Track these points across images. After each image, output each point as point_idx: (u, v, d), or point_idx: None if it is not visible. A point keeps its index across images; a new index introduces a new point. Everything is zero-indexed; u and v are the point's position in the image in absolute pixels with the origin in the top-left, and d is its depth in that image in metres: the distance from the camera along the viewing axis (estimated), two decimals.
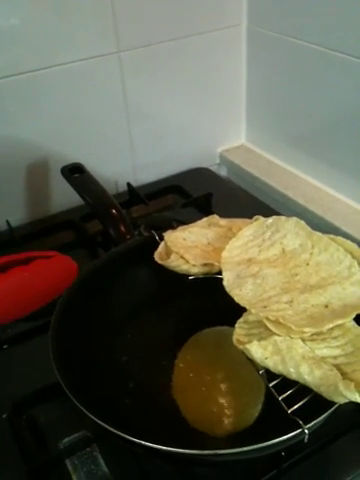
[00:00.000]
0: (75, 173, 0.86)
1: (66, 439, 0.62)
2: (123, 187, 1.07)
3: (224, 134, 1.18)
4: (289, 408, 0.51)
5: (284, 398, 0.52)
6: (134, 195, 1.02)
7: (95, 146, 1.02)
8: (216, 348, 0.65)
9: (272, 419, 0.55)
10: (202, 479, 0.58)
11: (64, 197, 1.03)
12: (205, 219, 0.72)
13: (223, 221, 0.71)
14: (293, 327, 0.51)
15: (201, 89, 1.07)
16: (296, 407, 0.51)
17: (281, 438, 0.48)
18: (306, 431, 0.48)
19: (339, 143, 0.94)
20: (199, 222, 0.74)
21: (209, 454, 0.48)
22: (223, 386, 0.60)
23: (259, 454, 0.50)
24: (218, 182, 1.13)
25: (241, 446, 0.47)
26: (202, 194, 0.99)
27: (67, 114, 0.95)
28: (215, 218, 0.73)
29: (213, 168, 1.19)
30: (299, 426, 0.49)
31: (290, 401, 0.51)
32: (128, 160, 1.08)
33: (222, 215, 0.73)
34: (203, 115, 1.11)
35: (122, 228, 0.78)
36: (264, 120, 1.12)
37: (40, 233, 0.95)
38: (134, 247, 0.75)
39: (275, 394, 0.52)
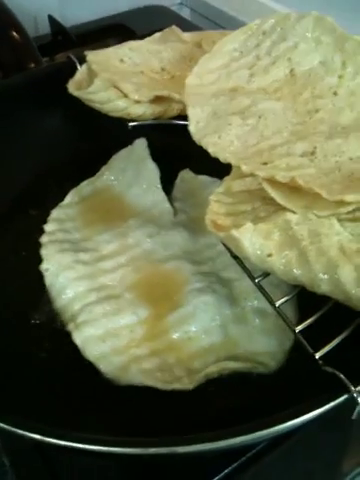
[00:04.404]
0: None
1: None
2: (45, 28, 0.83)
3: None
4: (316, 351, 0.28)
5: (303, 331, 0.29)
6: (60, 34, 0.79)
7: None
8: None
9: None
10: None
11: None
12: (159, 33, 0.54)
13: (187, 34, 0.52)
14: (323, 193, 0.31)
15: None
16: (328, 348, 0.27)
17: (313, 413, 0.24)
18: (358, 398, 0.24)
19: None
20: (149, 38, 0.52)
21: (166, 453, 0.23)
22: None
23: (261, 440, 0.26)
24: (179, 23, 0.86)
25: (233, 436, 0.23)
26: (156, 30, 0.73)
27: None
28: (175, 31, 0.53)
29: (173, 8, 0.96)
30: (342, 386, 0.25)
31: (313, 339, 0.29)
32: None
33: None
34: None
35: (23, 53, 0.54)
36: None
37: None
38: (37, 78, 0.52)
39: (287, 323, 0.29)
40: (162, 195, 0.49)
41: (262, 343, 0.38)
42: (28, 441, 0.39)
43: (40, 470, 0.38)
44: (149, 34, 0.76)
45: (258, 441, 0.25)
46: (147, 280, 0.43)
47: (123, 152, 0.52)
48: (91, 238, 0.47)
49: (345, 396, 0.25)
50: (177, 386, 0.37)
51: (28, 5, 0.81)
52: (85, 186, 0.51)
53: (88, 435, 0.24)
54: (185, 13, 0.99)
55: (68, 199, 0.50)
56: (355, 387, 0.26)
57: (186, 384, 0.37)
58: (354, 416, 0.26)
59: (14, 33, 0.58)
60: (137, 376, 0.37)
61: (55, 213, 0.49)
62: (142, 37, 0.77)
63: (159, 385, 0.37)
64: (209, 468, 0.35)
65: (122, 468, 0.36)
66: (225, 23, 0.89)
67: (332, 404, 0.25)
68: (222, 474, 0.34)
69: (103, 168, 0.52)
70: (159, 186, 0.49)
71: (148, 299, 0.41)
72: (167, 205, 0.48)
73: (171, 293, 0.42)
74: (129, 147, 0.51)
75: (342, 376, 0.26)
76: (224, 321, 0.39)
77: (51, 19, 0.82)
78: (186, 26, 0.89)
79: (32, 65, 0.55)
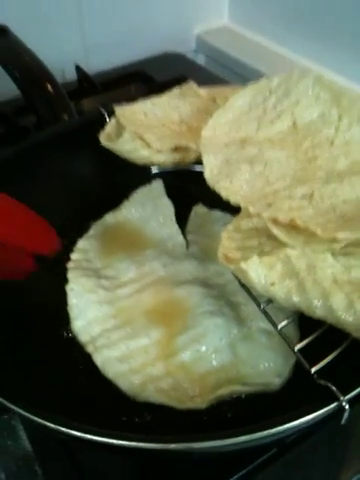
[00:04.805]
0: None
1: None
2: (72, 76, 0.88)
3: (202, 11, 1.01)
4: (312, 366, 0.32)
5: (302, 349, 0.34)
6: (85, 82, 0.86)
7: (31, 14, 0.82)
8: None
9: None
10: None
11: None
12: (176, 89, 0.57)
13: (203, 90, 0.57)
14: (319, 231, 0.35)
15: None
16: (323, 364, 0.31)
17: (304, 418, 0.28)
18: (346, 406, 0.28)
19: (338, 19, 0.82)
20: (169, 92, 0.57)
21: (180, 449, 0.28)
22: None
23: (262, 443, 0.30)
24: (194, 70, 0.95)
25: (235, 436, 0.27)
26: (173, 78, 0.81)
27: None
28: (192, 87, 0.57)
29: (189, 55, 1.01)
30: (333, 396, 0.29)
31: (312, 355, 0.34)
32: (77, 37, 0.89)
33: None
34: None
35: (58, 106, 0.60)
36: None
37: None
38: (72, 129, 0.58)
39: (288, 343, 0.33)
40: (176, 228, 0.54)
41: (268, 360, 0.41)
42: (59, 449, 0.43)
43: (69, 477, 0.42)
44: (167, 81, 0.83)
45: (259, 441, 0.29)
46: (161, 304, 0.47)
47: (142, 189, 0.58)
48: (112, 266, 0.52)
49: (335, 404, 0.29)
50: (190, 405, 0.40)
51: (57, 54, 0.84)
52: (108, 218, 0.57)
53: (115, 432, 0.29)
54: (200, 59, 1.04)
55: (92, 231, 0.55)
56: (344, 396, 0.30)
57: (199, 404, 0.40)
58: (343, 422, 0.30)
59: (49, 86, 0.63)
60: (153, 394, 0.40)
61: (81, 243, 0.54)
62: (161, 84, 0.83)
63: (174, 404, 0.40)
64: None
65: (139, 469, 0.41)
66: (237, 69, 0.94)
67: (323, 411, 0.29)
68: None
69: (125, 202, 0.57)
70: (173, 220, 0.55)
71: (161, 321, 0.45)
72: (180, 238, 0.53)
73: (183, 315, 0.45)
74: (148, 185, 0.57)
75: (333, 388, 0.30)
76: (232, 340, 0.43)
77: (78, 68, 0.86)
78: (200, 73, 0.96)
79: (65, 116, 0.60)
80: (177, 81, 0.78)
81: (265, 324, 0.41)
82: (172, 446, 0.28)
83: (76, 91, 0.84)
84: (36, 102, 0.62)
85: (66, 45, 0.89)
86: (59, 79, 0.85)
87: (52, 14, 0.85)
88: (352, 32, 0.80)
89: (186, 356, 0.42)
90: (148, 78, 0.91)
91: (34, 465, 0.44)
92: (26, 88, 0.64)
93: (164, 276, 0.49)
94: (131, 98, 0.79)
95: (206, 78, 0.94)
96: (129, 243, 0.54)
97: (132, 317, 0.45)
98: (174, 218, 0.55)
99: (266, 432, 0.27)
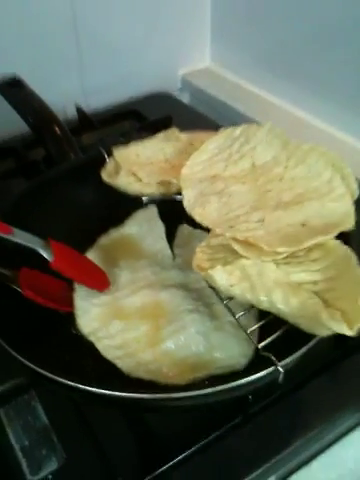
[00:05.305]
0: (13, 87, 0.76)
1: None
2: (72, 114, 0.97)
3: (186, 54, 1.09)
4: (259, 343, 0.43)
5: (253, 331, 0.44)
6: (84, 120, 0.94)
7: (37, 62, 0.91)
8: None
9: None
10: (154, 425, 0.51)
11: (4, 122, 0.89)
12: (162, 133, 0.66)
13: (183, 135, 0.65)
14: (265, 247, 0.45)
15: (159, 1, 0.97)
16: (268, 341, 0.43)
17: (250, 377, 0.39)
18: (280, 369, 0.40)
19: (311, 60, 0.87)
20: (155, 137, 0.66)
21: (161, 398, 0.39)
22: None
23: (222, 398, 0.42)
24: (179, 107, 1.04)
25: (200, 388, 0.38)
26: (161, 117, 0.91)
27: (4, 22, 0.84)
28: (174, 132, 0.66)
29: (175, 94, 1.09)
30: (272, 363, 0.41)
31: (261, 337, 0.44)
32: (77, 80, 0.98)
33: None
34: (162, 31, 1.01)
35: (65, 146, 0.69)
36: (231, 37, 1.03)
37: None
38: (78, 165, 0.67)
39: (242, 328, 0.44)
40: (165, 243, 0.63)
41: (235, 345, 0.50)
42: (71, 420, 0.51)
43: (85, 443, 0.50)
44: (156, 120, 0.91)
45: (216, 395, 0.40)
46: (150, 303, 0.55)
47: (140, 212, 0.67)
48: (113, 272, 0.60)
49: (273, 368, 0.40)
50: (172, 381, 0.49)
51: (60, 95, 0.89)
52: (112, 232, 0.66)
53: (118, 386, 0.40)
54: (185, 97, 1.11)
55: (98, 243, 0.64)
56: (279, 362, 0.41)
57: (179, 381, 0.49)
58: (280, 381, 0.41)
59: (57, 129, 0.71)
60: (143, 374, 0.49)
61: (88, 254, 0.62)
62: (150, 122, 0.92)
63: (160, 380, 0.49)
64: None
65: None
66: (218, 107, 1.01)
67: (264, 372, 0.40)
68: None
69: (126, 221, 0.67)
70: (164, 237, 0.64)
71: (150, 317, 0.54)
72: (168, 251, 0.63)
73: (167, 313, 0.54)
74: (145, 209, 0.66)
75: (272, 357, 0.41)
76: (206, 331, 0.51)
77: (78, 108, 0.94)
78: (185, 110, 1.04)
79: (71, 154, 0.68)
80: (164, 120, 0.88)
81: (232, 318, 0.50)
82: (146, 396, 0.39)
83: (77, 128, 0.92)
84: (46, 142, 0.71)
85: (68, 88, 0.97)
86: (61, 116, 0.90)
87: (57, 64, 0.94)
88: (324, 77, 0.85)
89: (169, 344, 0.51)
90: (139, 115, 0.98)
91: (51, 435, 0.51)
92: (38, 130, 0.73)
93: (153, 281, 0.58)
94: (125, 133, 0.90)
95: (190, 114, 1.02)
96: (128, 254, 0.63)
97: (126, 314, 0.55)
98: (164, 235, 0.64)
99: (221, 387, 0.39)
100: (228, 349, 0.51)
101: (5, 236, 0.51)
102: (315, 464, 0.52)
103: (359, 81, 0.80)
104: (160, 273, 0.60)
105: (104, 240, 0.65)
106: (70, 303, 0.57)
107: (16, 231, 0.52)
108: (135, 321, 0.54)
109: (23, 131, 0.82)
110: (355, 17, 0.76)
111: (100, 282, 0.58)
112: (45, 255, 0.53)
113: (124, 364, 0.51)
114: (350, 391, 0.54)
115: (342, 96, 0.84)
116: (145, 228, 0.66)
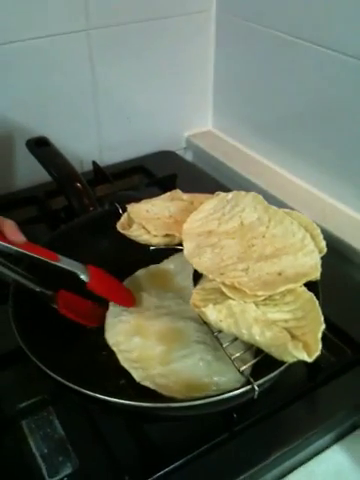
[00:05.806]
0: (40, 146, 0.85)
1: (23, 403, 0.63)
2: (88, 167, 1.06)
3: (191, 119, 1.19)
4: (241, 367, 0.53)
5: (236, 358, 0.54)
6: (99, 174, 1.02)
7: (61, 123, 1.01)
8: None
9: None
10: (155, 439, 0.60)
11: (29, 173, 1.02)
12: (168, 193, 0.74)
13: (185, 196, 0.73)
14: (247, 291, 0.52)
15: (169, 72, 1.08)
16: (247, 366, 0.53)
17: (231, 393, 0.49)
18: (256, 388, 0.50)
19: (303, 132, 0.95)
20: (162, 196, 0.76)
21: (162, 407, 0.49)
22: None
23: (211, 410, 0.52)
24: (183, 165, 1.15)
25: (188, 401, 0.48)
26: (167, 174, 1.00)
27: (33, 88, 0.95)
28: (178, 193, 0.75)
29: (179, 152, 1.20)
30: (249, 383, 0.50)
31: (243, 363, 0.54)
32: (94, 139, 1.08)
33: None
34: (171, 99, 1.12)
35: (86, 200, 0.78)
36: (231, 107, 1.13)
37: (1, 208, 0.91)
38: (97, 218, 0.76)
39: (228, 355, 0.54)
40: (191, 282, 0.66)
41: (232, 372, 0.57)
42: (85, 431, 0.58)
43: (95, 451, 0.56)
44: (163, 175, 1.01)
45: (200, 408, 0.49)
46: (167, 329, 0.64)
47: (179, 254, 0.72)
48: (143, 295, 0.69)
49: (250, 386, 0.51)
50: (173, 395, 0.56)
51: (79, 151, 1.05)
52: (152, 268, 0.75)
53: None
54: (189, 156, 1.23)
55: (138, 272, 0.74)
56: (255, 382, 0.51)
57: (180, 395, 0.56)
58: (255, 397, 0.51)
59: (78, 185, 0.80)
60: (151, 385, 0.57)
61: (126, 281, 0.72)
62: (158, 179, 1.02)
63: (164, 393, 0.57)
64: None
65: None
66: (217, 166, 1.12)
67: (241, 390, 0.50)
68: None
69: (165, 261, 0.76)
70: (191, 276, 0.66)
71: (165, 341, 0.62)
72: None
73: (179, 340, 0.62)
74: (180, 253, 0.69)
75: (250, 378, 0.51)
76: (209, 359, 0.59)
77: (94, 163, 1.05)
78: (188, 167, 1.14)
79: (91, 208, 0.77)
80: (169, 177, 0.99)
81: (230, 350, 0.57)
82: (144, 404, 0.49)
83: (92, 180, 1.00)
84: (69, 195, 0.80)
85: (87, 146, 1.09)
86: (78, 168, 0.99)
87: (79, 126, 1.05)
88: (312, 148, 0.94)
89: (177, 365, 0.59)
90: (147, 171, 1.09)
91: (66, 444, 0.58)
92: (61, 184, 0.82)
93: (175, 311, 0.66)
94: (134, 187, 1.01)
95: (192, 171, 1.14)
96: (160, 285, 0.72)
97: (147, 333, 0.63)
98: (192, 275, 0.66)
99: (201, 401, 0.49)
100: (225, 375, 0.58)
101: (52, 262, 0.61)
102: (291, 477, 0.60)
103: (342, 152, 0.89)
104: (182, 305, 0.68)
105: (142, 271, 0.75)
106: (97, 320, 0.67)
107: (62, 258, 0.61)
108: (153, 341, 0.63)
109: (42, 180, 0.93)
110: (340, 99, 0.86)
111: (126, 300, 0.68)
112: (83, 277, 0.62)
113: (137, 374, 0.60)
114: (322, 415, 0.63)
115: (327, 164, 0.93)
116: (179, 267, 0.74)
